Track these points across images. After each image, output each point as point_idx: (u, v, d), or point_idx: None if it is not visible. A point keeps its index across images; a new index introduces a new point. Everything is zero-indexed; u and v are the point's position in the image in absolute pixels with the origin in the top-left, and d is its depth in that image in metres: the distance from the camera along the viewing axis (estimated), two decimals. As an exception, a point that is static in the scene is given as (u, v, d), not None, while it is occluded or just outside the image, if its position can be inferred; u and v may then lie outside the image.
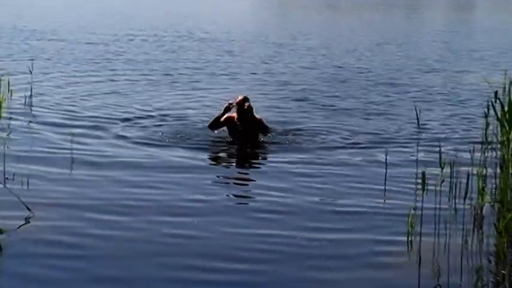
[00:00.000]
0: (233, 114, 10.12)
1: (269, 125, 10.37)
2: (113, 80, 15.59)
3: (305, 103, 13.54)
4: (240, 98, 10.09)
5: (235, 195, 8.10)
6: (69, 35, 24.33)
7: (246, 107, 9.96)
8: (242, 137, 10.07)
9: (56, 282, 5.72)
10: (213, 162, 9.54)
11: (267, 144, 10.15)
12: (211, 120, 10.33)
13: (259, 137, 10.19)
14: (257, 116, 10.19)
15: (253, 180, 8.73)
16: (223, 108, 10.22)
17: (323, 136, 10.71)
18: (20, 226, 6.79)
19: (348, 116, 12.37)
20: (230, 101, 10.15)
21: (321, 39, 25.77)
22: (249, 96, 10.20)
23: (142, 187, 8.11)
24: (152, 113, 12.02)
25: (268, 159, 9.74)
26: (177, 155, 9.44)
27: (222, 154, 9.90)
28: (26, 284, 5.69)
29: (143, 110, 12.26)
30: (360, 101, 13.95)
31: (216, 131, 10.28)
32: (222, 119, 10.15)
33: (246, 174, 9.17)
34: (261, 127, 10.17)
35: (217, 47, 22.56)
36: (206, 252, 6.32)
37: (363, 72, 17.81)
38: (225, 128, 10.25)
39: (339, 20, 37.26)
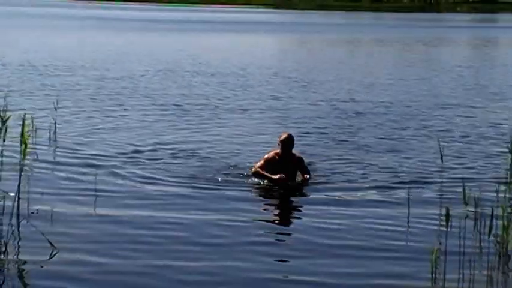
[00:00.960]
0: (271, 153, 10.02)
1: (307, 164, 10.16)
2: (132, 117, 15.67)
3: (324, 138, 13.54)
4: (284, 136, 9.94)
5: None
6: (91, 71, 24.51)
7: (288, 144, 9.83)
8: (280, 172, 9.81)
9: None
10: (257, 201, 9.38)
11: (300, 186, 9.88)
12: (258, 170, 9.95)
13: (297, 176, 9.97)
14: (297, 154, 10.10)
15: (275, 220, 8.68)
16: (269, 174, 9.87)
17: (344, 174, 10.64)
18: (44, 261, 6.81)
19: (368, 153, 12.34)
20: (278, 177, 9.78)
21: (338, 74, 25.82)
22: (292, 134, 10.09)
23: (165, 224, 8.12)
24: (176, 150, 12.02)
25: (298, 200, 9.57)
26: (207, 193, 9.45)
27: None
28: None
29: (166, 147, 12.27)
30: (378, 136, 13.93)
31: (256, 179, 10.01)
32: (264, 172, 9.87)
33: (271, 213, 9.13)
34: (301, 166, 9.98)
35: (236, 82, 22.66)
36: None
37: (380, 107, 17.81)
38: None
39: (359, 54, 37.31)
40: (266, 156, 10.03)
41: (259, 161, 10.07)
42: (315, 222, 8.37)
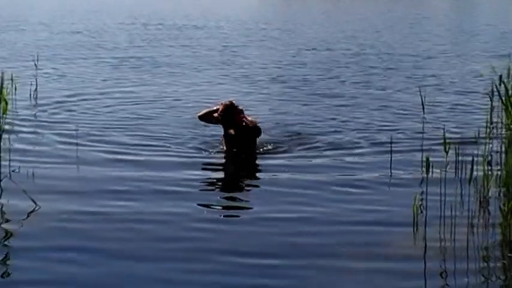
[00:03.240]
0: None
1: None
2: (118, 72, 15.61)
3: (303, 93, 13.52)
4: (222, 106, 9.08)
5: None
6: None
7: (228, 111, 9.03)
8: (234, 143, 9.13)
9: (60, 274, 5.72)
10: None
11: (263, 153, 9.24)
12: (202, 112, 9.37)
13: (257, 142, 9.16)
14: (249, 118, 9.08)
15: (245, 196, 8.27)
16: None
17: (324, 126, 10.64)
18: (25, 218, 6.80)
19: (351, 104, 12.37)
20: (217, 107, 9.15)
21: (319, 25, 25.73)
22: (234, 101, 9.21)
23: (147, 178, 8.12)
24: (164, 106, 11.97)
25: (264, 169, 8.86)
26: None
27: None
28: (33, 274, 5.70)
29: (151, 104, 12.22)
30: (362, 86, 13.95)
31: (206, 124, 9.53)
32: (216, 114, 9.14)
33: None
34: (252, 131, 9.02)
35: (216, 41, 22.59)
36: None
37: (361, 56, 17.81)
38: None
39: (342, 10, 37.17)
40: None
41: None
42: (292, 175, 8.31)
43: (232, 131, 9.08)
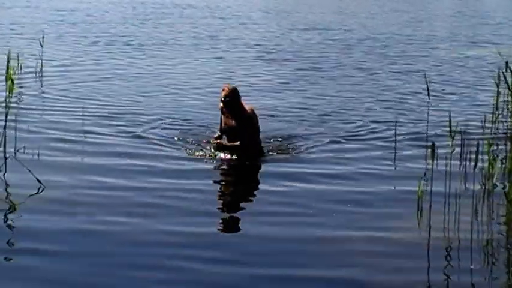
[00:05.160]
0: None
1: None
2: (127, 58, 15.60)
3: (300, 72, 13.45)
4: (226, 90, 8.11)
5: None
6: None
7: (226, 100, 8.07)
8: (232, 134, 8.18)
9: (62, 253, 5.73)
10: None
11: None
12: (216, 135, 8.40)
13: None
14: (247, 107, 8.24)
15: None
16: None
17: (326, 113, 10.57)
18: (29, 196, 6.80)
19: (354, 88, 12.36)
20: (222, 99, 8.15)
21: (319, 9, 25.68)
22: (236, 86, 8.35)
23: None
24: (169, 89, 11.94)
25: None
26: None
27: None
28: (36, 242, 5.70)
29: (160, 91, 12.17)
30: (366, 72, 13.93)
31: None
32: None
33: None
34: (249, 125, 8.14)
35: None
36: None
37: (367, 40, 17.76)
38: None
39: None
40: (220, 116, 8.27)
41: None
42: (296, 169, 8.01)
43: (233, 122, 8.15)
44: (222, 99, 8.09)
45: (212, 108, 9.79)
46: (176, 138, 8.86)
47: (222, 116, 8.24)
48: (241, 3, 28.83)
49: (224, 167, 8.01)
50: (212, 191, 7.29)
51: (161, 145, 8.61)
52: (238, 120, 8.10)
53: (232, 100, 8.04)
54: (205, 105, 10.78)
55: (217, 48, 16.92)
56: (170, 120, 9.80)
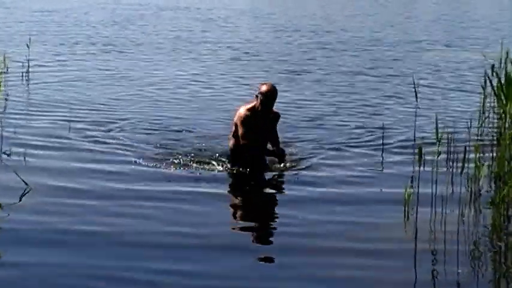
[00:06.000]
0: (242, 110, 7.86)
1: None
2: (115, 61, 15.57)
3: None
4: (266, 88, 7.79)
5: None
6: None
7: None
8: (259, 132, 7.85)
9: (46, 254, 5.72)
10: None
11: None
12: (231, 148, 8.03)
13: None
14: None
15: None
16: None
17: (316, 118, 10.55)
18: (16, 198, 6.77)
19: (339, 92, 12.35)
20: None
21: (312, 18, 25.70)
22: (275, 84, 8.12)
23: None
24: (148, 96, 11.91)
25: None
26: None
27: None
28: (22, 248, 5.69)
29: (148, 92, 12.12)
30: (352, 76, 13.95)
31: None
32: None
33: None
34: (274, 125, 8.00)
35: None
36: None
37: (351, 44, 17.79)
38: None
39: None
40: (238, 115, 7.87)
41: (232, 125, 8.02)
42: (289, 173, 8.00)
43: (262, 122, 7.76)
44: (266, 96, 7.70)
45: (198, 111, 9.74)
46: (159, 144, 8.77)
47: (246, 117, 7.78)
48: (223, 6, 28.85)
49: (212, 176, 7.83)
50: (197, 200, 7.14)
51: (145, 149, 8.57)
52: (268, 120, 7.88)
53: (271, 100, 7.80)
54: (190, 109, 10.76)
55: (197, 50, 16.89)
56: (160, 126, 9.70)
